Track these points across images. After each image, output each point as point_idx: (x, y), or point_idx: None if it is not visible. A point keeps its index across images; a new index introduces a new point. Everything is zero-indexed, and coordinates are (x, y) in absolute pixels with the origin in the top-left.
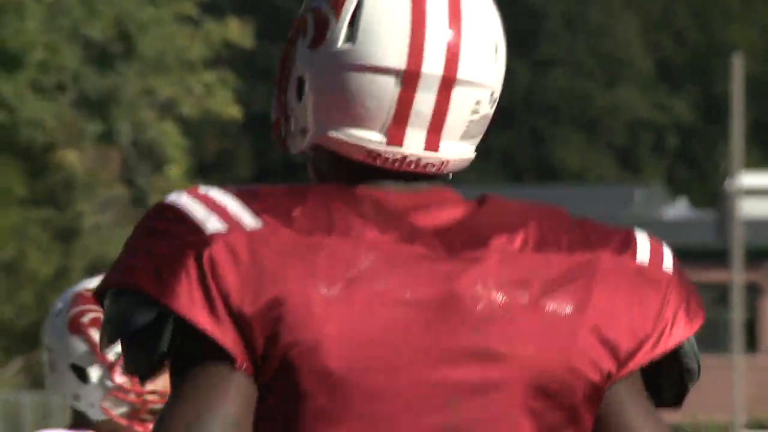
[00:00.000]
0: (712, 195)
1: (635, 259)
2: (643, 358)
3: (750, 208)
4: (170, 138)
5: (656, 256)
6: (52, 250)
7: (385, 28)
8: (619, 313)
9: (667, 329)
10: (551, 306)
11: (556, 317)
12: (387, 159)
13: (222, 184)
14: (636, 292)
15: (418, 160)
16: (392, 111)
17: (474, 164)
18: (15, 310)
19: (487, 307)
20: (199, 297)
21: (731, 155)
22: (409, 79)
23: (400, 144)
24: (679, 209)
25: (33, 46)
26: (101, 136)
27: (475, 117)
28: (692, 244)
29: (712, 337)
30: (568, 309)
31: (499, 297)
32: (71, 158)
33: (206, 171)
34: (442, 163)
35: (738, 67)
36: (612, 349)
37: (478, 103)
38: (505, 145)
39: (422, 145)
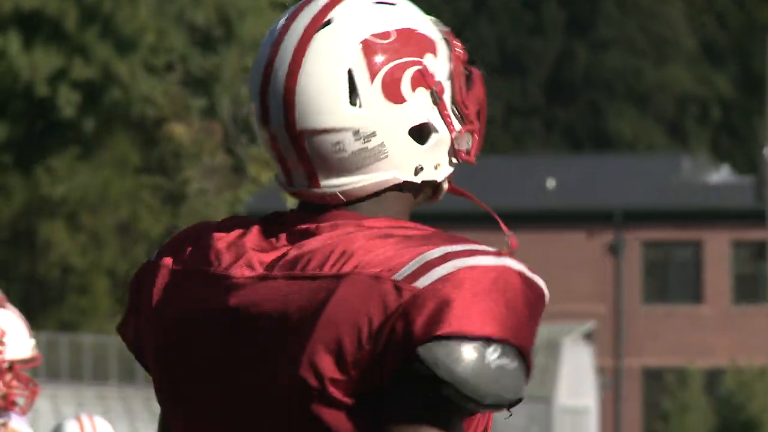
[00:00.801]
0: (752, 162)
1: (389, 276)
2: (376, 367)
3: None
4: None
5: (419, 272)
6: (162, 213)
7: (253, 90)
8: (347, 325)
9: (397, 340)
10: (299, 319)
11: (302, 331)
12: (294, 194)
13: None
14: (366, 306)
15: (310, 194)
16: (275, 158)
17: (539, 134)
18: (129, 265)
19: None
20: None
21: None
22: (269, 134)
23: (291, 184)
24: (722, 175)
25: (144, 31)
26: (205, 111)
27: (344, 155)
28: (734, 206)
29: (752, 289)
30: (309, 323)
31: (271, 313)
32: (179, 131)
33: None
34: (332, 195)
35: None
36: (339, 358)
37: (337, 144)
38: (566, 117)
39: (306, 183)
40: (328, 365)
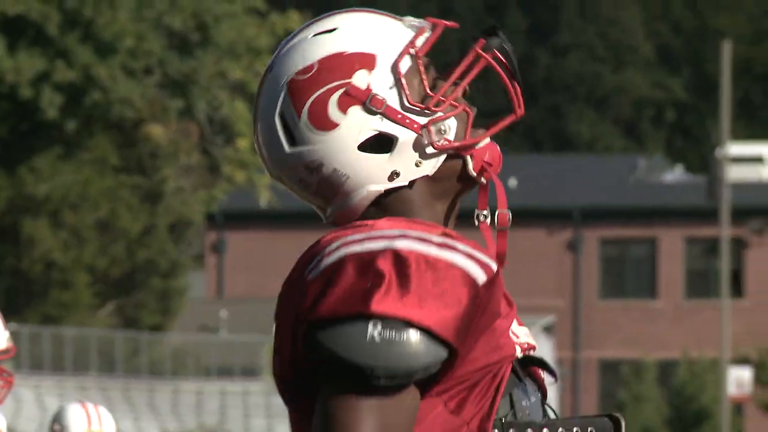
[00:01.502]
0: (705, 162)
1: (302, 274)
2: (298, 361)
3: (736, 173)
4: (240, 114)
5: (316, 265)
6: (140, 211)
7: None
8: (284, 325)
9: (295, 332)
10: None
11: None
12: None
13: None
14: (290, 304)
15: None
16: None
17: (501, 135)
18: (108, 261)
19: None
20: None
21: (720, 128)
22: None
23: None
24: (676, 175)
25: (124, 35)
26: (182, 113)
27: (312, 189)
28: (687, 204)
29: (704, 284)
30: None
31: None
32: (156, 131)
33: None
34: (337, 218)
35: (727, 51)
36: (283, 358)
37: (300, 182)
38: (527, 119)
39: (322, 214)
40: (276, 364)
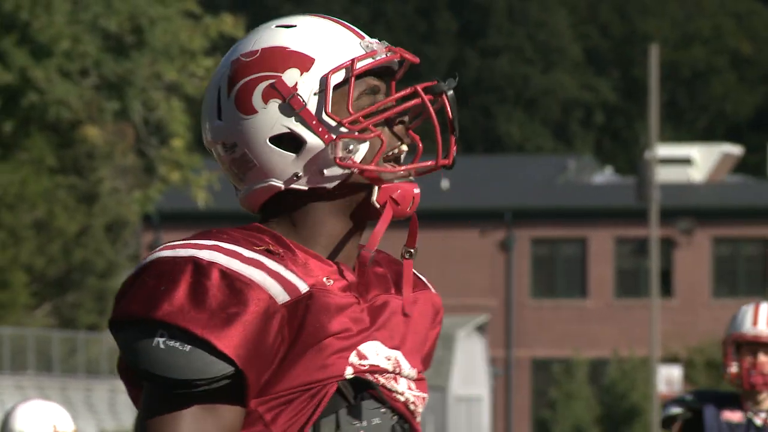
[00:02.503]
0: (633, 163)
1: None
2: None
3: (664, 175)
4: (175, 115)
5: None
6: (76, 211)
7: None
8: None
9: None
10: None
11: None
12: None
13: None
14: None
15: (241, 202)
16: None
17: (432, 137)
18: (45, 261)
19: None
20: None
21: (649, 129)
22: None
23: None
24: (605, 176)
25: (60, 38)
26: (118, 114)
27: (225, 166)
28: (617, 205)
29: (633, 284)
30: None
31: None
32: (93, 133)
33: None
34: (243, 202)
35: (654, 54)
36: None
37: (219, 157)
38: (459, 120)
39: (236, 192)
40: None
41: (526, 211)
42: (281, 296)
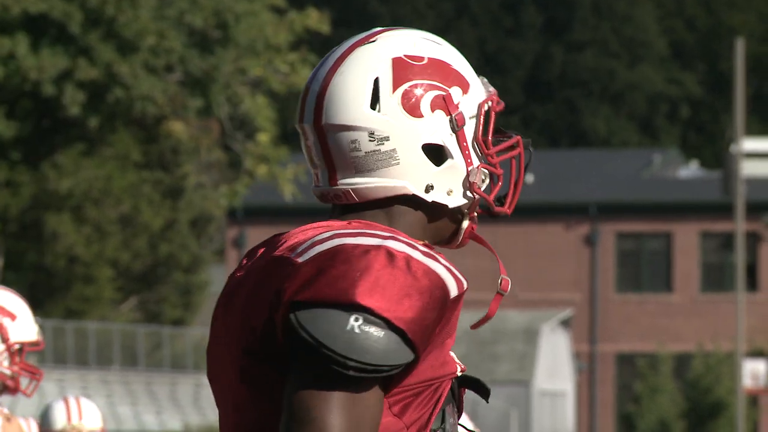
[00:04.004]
0: (719, 157)
1: (288, 255)
2: (274, 337)
3: (750, 169)
4: (260, 110)
5: (306, 250)
6: (161, 206)
7: (301, 97)
8: (260, 300)
9: (278, 308)
10: (245, 297)
11: (244, 307)
12: (318, 196)
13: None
14: (270, 282)
15: (329, 193)
16: (307, 159)
17: (518, 131)
18: (130, 256)
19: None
20: None
21: (734, 123)
22: (300, 131)
23: (317, 184)
24: (690, 170)
25: (145, 33)
26: (202, 110)
27: (359, 154)
28: (702, 199)
29: (718, 278)
30: (246, 300)
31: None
32: (178, 128)
33: (290, 138)
34: (344, 193)
35: (740, 47)
36: (253, 331)
37: (354, 142)
38: (544, 115)
39: (327, 181)
40: (246, 337)
41: (611, 206)
42: (453, 290)
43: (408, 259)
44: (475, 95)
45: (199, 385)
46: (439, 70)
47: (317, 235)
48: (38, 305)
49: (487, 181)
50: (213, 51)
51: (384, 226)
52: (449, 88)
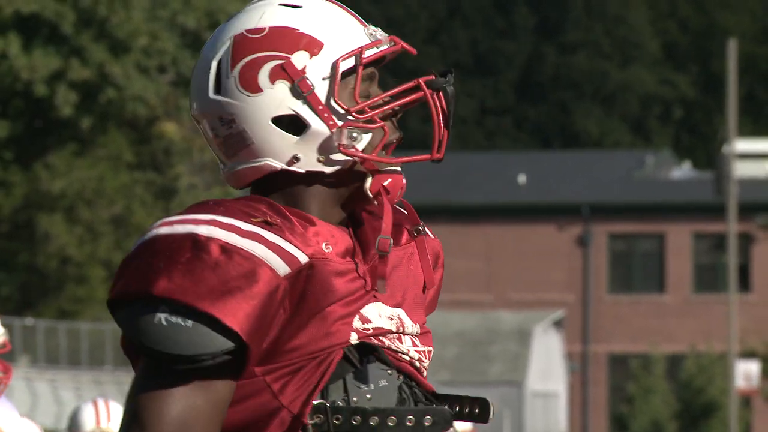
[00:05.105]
0: (711, 158)
1: None
2: None
3: (743, 170)
4: None
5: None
6: (154, 207)
7: None
8: None
9: None
10: None
11: None
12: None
13: None
14: None
15: (225, 179)
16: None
17: (510, 132)
18: (123, 256)
19: None
20: None
21: (727, 124)
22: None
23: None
24: (683, 171)
25: (138, 34)
26: None
27: (219, 140)
28: (695, 200)
29: (711, 279)
30: None
31: None
32: (170, 129)
33: None
34: (227, 177)
35: (733, 48)
36: None
37: (213, 129)
38: (536, 116)
39: (221, 167)
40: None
41: (603, 207)
42: (282, 268)
43: (219, 244)
44: (330, 54)
45: None
46: (281, 37)
47: (152, 225)
48: (30, 306)
49: (365, 136)
50: None
51: (219, 205)
52: (291, 54)
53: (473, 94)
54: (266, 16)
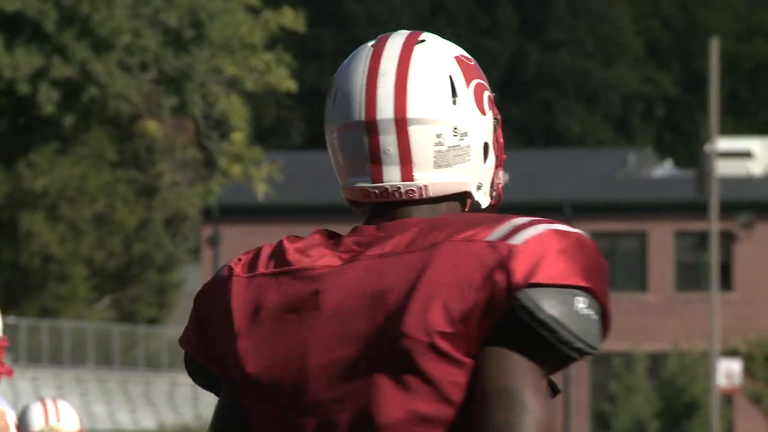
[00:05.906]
0: (693, 156)
1: (481, 238)
2: (479, 318)
3: (725, 168)
4: (235, 109)
5: (510, 234)
6: (136, 204)
7: (349, 90)
8: (449, 284)
9: (499, 288)
10: (398, 290)
11: (403, 298)
12: (375, 194)
13: (278, 148)
14: (464, 265)
15: (399, 189)
16: (368, 155)
17: None
18: (105, 255)
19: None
20: None
21: (709, 123)
22: (370, 126)
23: (381, 180)
24: (665, 169)
25: (120, 32)
26: (177, 108)
27: (441, 149)
28: (677, 198)
29: (693, 277)
30: (411, 289)
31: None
32: (152, 127)
33: (265, 137)
34: (420, 189)
35: (715, 47)
36: (446, 313)
37: (438, 136)
38: (519, 114)
39: (399, 177)
40: (436, 320)
41: (586, 205)
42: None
43: (595, 245)
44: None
45: (174, 383)
46: (482, 71)
47: (510, 220)
48: (13, 304)
49: (504, 178)
50: (188, 49)
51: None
52: (488, 90)
53: None
54: (460, 50)
